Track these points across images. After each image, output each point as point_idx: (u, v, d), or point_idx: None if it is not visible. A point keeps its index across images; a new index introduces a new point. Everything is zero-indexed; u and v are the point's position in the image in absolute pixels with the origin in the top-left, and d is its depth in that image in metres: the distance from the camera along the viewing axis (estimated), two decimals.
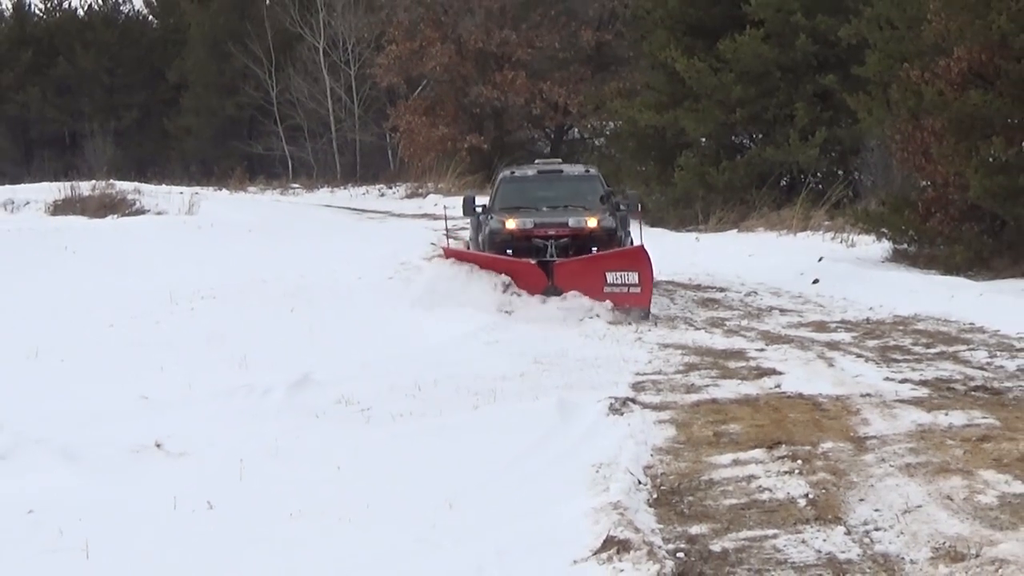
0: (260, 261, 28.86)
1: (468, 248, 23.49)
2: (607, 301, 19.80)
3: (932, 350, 17.21)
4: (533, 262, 20.17)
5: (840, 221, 31.05)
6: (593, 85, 53.00)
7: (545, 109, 56.62)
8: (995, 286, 21.66)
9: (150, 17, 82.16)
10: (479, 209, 22.84)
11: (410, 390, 14.53)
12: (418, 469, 11.52)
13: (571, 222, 20.91)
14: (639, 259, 19.74)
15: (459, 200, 49.18)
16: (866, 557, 8.84)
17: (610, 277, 19.63)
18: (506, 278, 20.21)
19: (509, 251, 20.69)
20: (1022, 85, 23.57)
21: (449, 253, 21.63)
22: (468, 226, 24.95)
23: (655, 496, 10.44)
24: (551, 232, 20.76)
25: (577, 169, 24.42)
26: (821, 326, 19.83)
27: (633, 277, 19.58)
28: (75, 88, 76.27)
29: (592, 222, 20.94)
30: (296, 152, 67.51)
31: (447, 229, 24.86)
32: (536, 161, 27.82)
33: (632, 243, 21.78)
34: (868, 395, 14.16)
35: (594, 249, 20.59)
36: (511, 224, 21.00)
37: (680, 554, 8.86)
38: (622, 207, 22.83)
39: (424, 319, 19.32)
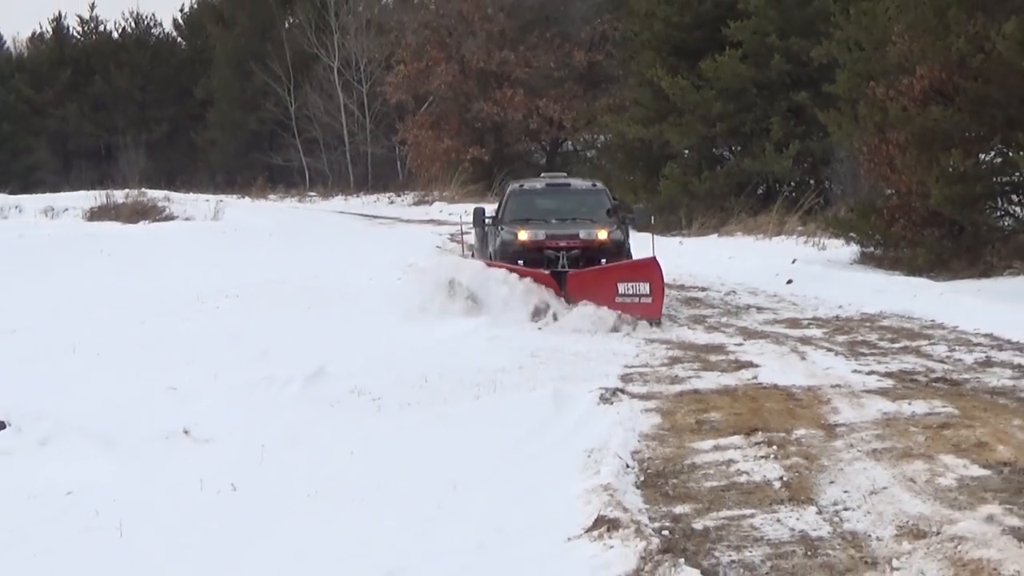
0: (279, 263, 28.86)
1: (472, 258, 22.44)
2: (618, 311, 18.76)
3: (896, 345, 17.20)
4: (547, 272, 19.21)
5: (812, 226, 31.09)
6: (585, 101, 53.01)
7: (541, 123, 56.68)
8: (954, 286, 21.66)
9: (179, 39, 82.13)
10: (488, 221, 21.95)
11: (417, 382, 14.52)
12: (424, 454, 11.51)
13: (582, 234, 20.09)
14: (651, 270, 18.87)
15: (462, 207, 49.27)
16: (836, 535, 8.83)
17: (622, 288, 18.74)
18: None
19: (520, 261, 19.57)
20: (979, 102, 23.57)
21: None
22: (473, 235, 23.83)
23: (642, 479, 10.43)
24: (562, 243, 19.88)
25: (585, 183, 23.22)
26: (795, 323, 19.82)
27: (644, 288, 18.72)
28: (110, 104, 76.27)
29: (602, 234, 20.13)
30: (313, 163, 67.51)
31: (463, 242, 24.08)
32: (543, 175, 26.21)
33: (629, 251, 20.89)
34: (838, 386, 14.15)
35: (603, 260, 19.71)
36: (523, 235, 20.09)
37: (665, 532, 8.85)
38: (627, 220, 21.96)
39: (429, 317, 19.31)
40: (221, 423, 12.40)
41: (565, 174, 28.51)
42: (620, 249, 20.28)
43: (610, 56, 53.69)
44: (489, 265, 19.81)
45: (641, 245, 20.59)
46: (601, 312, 18.54)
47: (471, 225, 22.49)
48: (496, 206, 23.02)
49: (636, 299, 18.63)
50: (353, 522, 9.47)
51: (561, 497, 9.61)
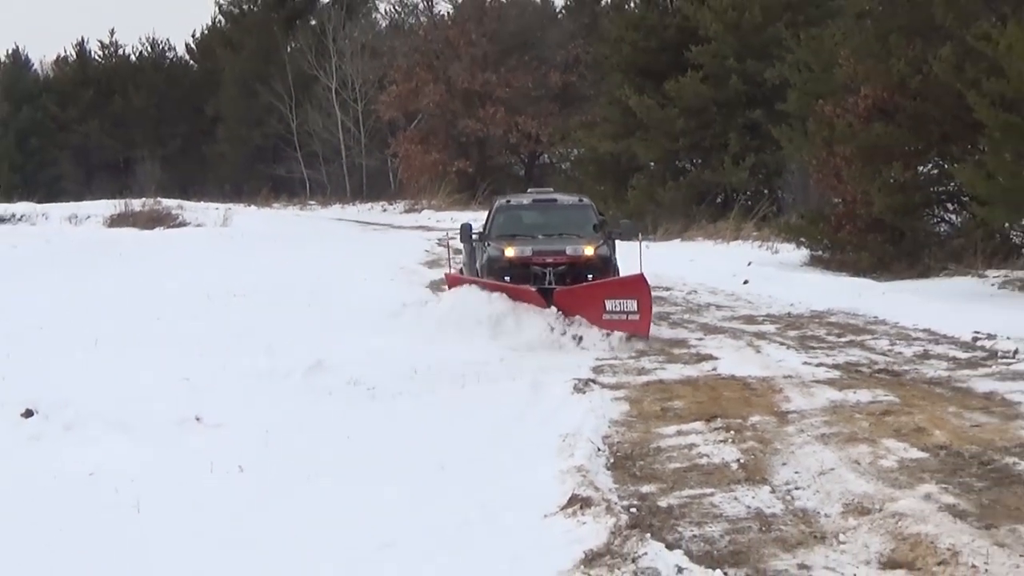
0: (283, 265, 28.84)
1: (463, 274, 20.14)
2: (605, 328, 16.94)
3: (843, 339, 17.22)
4: (534, 289, 17.27)
5: (766, 232, 31.11)
6: (560, 118, 53.04)
7: (520, 138, 56.76)
8: (895, 286, 21.69)
9: (191, 62, 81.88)
10: (475, 236, 19.69)
11: (408, 373, 14.48)
12: (414, 438, 11.51)
13: (568, 250, 18.13)
14: (638, 287, 16.85)
15: (449, 215, 49.21)
16: (788, 511, 8.84)
17: (609, 304, 16.79)
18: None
19: (507, 278, 17.76)
20: (917, 119, 23.63)
21: (452, 279, 18.72)
22: (463, 250, 21.48)
23: (612, 461, 10.43)
24: (549, 260, 17.98)
25: (571, 198, 21.00)
26: (750, 319, 19.82)
27: (632, 304, 16.74)
28: (128, 121, 76.03)
29: (589, 250, 18.16)
30: (313, 174, 67.40)
31: (449, 248, 22.25)
32: (530, 190, 23.72)
33: (619, 270, 18.88)
34: (789, 377, 14.15)
35: (590, 276, 17.82)
36: (510, 251, 18.14)
37: (633, 509, 8.85)
38: (613, 235, 19.73)
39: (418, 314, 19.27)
40: (229, 410, 12.37)
41: (551, 189, 25.71)
42: (607, 265, 18.46)
43: (583, 77, 53.76)
44: (474, 282, 18.12)
45: (626, 254, 19.24)
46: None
47: (458, 237, 20.46)
48: (484, 221, 21.00)
49: (624, 316, 16.81)
50: (349, 500, 9.47)
51: (538, 477, 9.60)
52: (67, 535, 8.76)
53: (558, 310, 17.03)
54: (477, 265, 19.25)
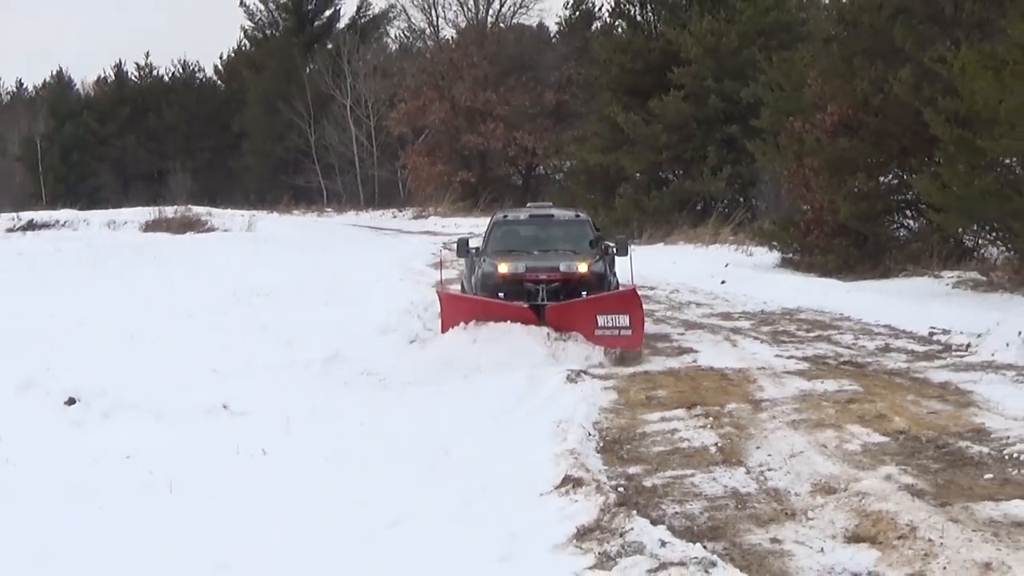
0: (302, 266, 28.82)
1: (463, 286, 18.81)
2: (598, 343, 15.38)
3: (811, 334, 17.21)
4: (526, 306, 15.60)
5: (742, 236, 31.09)
6: (554, 133, 52.96)
7: (518, 152, 56.76)
8: (858, 286, 21.67)
9: (218, 82, 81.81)
10: (473, 251, 17.88)
11: (416, 365, 14.50)
12: (421, 424, 11.51)
13: (562, 267, 16.30)
14: (630, 302, 15.38)
15: (453, 220, 49.06)
16: (761, 491, 8.84)
17: (601, 320, 15.19)
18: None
19: (501, 294, 16.08)
20: (879, 134, 23.63)
21: (443, 296, 16.69)
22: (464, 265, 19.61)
23: (601, 445, 10.43)
24: (542, 276, 16.16)
25: (567, 214, 19.08)
26: (727, 316, 19.82)
27: (624, 320, 15.18)
28: (161, 136, 76.04)
29: (583, 267, 16.33)
30: (329, 184, 67.33)
31: (441, 265, 20.36)
32: (529, 204, 22.25)
33: (618, 285, 17.31)
34: (763, 368, 14.16)
35: (584, 293, 16.05)
36: (503, 268, 16.36)
37: (620, 488, 8.85)
38: (610, 250, 17.80)
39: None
40: (254, 399, 12.37)
41: (550, 204, 23.34)
42: (601, 281, 16.59)
43: (575, 96, 53.68)
44: (467, 296, 17.12)
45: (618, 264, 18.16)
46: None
47: (454, 250, 19.25)
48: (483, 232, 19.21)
49: (616, 331, 15.22)
50: (362, 481, 9.47)
51: (534, 459, 9.59)
52: (106, 513, 8.76)
53: (550, 327, 15.38)
54: (472, 279, 17.48)
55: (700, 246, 32.27)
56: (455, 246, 18.70)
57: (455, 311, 15.73)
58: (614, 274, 17.49)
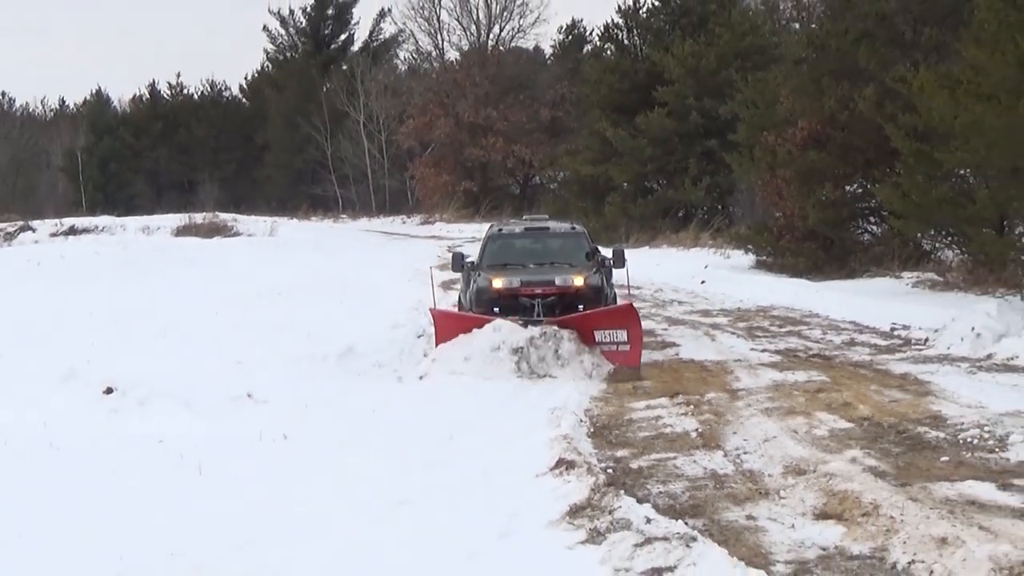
0: (319, 268, 28.80)
1: (460, 301, 16.54)
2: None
3: (783, 329, 17.22)
4: (520, 322, 13.85)
5: (720, 240, 31.07)
6: (549, 147, 52.82)
7: (516, 163, 56.68)
8: (826, 285, 21.67)
9: (243, 99, 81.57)
10: (468, 264, 16.05)
11: (422, 358, 14.49)
12: (429, 412, 11.51)
13: (558, 280, 14.66)
14: (628, 317, 13.86)
15: (457, 226, 48.89)
16: (738, 472, 8.85)
17: (598, 335, 13.70)
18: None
19: (496, 309, 14.35)
20: (845, 147, 23.61)
21: (436, 315, 14.82)
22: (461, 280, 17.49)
23: (592, 430, 10.44)
24: (538, 291, 14.50)
25: (563, 226, 17.12)
26: (706, 313, 19.82)
27: (622, 335, 13.69)
28: (191, 149, 75.88)
29: (579, 280, 14.66)
30: (344, 193, 67.20)
31: (432, 285, 16.54)
32: (524, 217, 20.50)
33: (616, 297, 15.81)
34: (739, 360, 14.17)
35: (580, 307, 14.41)
36: (498, 283, 14.69)
37: (609, 470, 8.86)
38: (607, 262, 15.87)
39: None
40: (275, 389, 12.38)
41: (547, 216, 20.83)
42: (598, 295, 14.83)
43: (568, 112, 53.57)
44: (460, 314, 15.29)
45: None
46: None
47: (453, 258, 16.82)
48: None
49: (614, 347, 13.69)
50: (373, 463, 9.48)
51: (531, 444, 9.62)
52: (141, 493, 8.76)
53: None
54: (468, 294, 15.70)
55: (682, 249, 32.25)
56: (451, 258, 16.91)
57: (448, 329, 14.21)
58: (611, 286, 15.84)
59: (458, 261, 16.15)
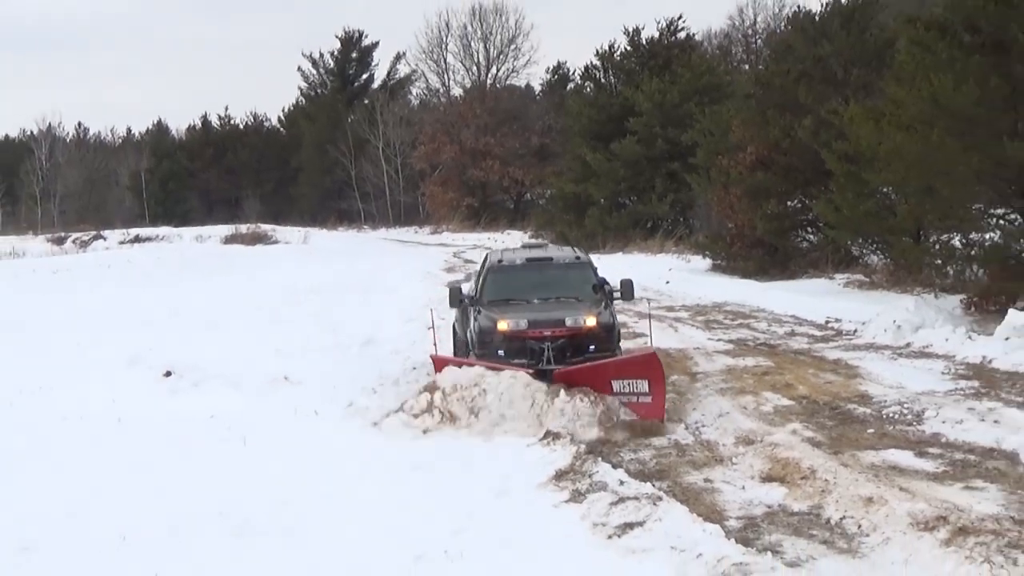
0: (345, 270, 28.75)
1: (455, 330, 12.97)
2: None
3: (735, 322, 17.22)
4: (530, 372, 10.30)
5: (682, 247, 31.01)
6: (538, 168, 52.78)
7: (511, 183, 56.70)
8: (771, 285, 21.65)
9: (281, 128, 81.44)
10: (466, 298, 12.19)
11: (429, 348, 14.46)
12: None
13: (569, 320, 10.91)
14: (650, 367, 10.10)
15: (461, 235, 48.72)
16: (697, 442, 8.87)
17: (616, 385, 10.04)
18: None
19: (501, 352, 10.83)
20: (787, 169, 23.60)
21: (437, 361, 10.87)
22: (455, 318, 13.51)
23: None
24: (547, 332, 10.77)
25: (567, 255, 13.06)
26: (670, 308, 19.79)
27: (643, 385, 9.97)
28: (237, 170, 75.74)
29: (591, 320, 10.95)
30: (366, 207, 67.09)
31: (433, 327, 12.23)
32: (523, 244, 15.51)
33: (619, 332, 11.72)
34: (698, 348, 14.18)
35: (592, 348, 10.86)
36: (503, 325, 10.95)
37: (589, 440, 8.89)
38: (613, 294, 12.03)
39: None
40: (308, 372, 12.36)
41: (547, 243, 16.29)
42: (610, 334, 11.26)
43: (554, 139, 53.54)
44: (462, 362, 10.83)
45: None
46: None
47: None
48: (475, 278, 13.33)
49: (634, 398, 10.00)
50: (390, 436, 9.49)
51: None
52: (193, 460, 8.77)
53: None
54: (468, 333, 11.90)
55: (650, 255, 32.19)
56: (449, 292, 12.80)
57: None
58: (614, 315, 11.79)
59: (455, 296, 12.30)
